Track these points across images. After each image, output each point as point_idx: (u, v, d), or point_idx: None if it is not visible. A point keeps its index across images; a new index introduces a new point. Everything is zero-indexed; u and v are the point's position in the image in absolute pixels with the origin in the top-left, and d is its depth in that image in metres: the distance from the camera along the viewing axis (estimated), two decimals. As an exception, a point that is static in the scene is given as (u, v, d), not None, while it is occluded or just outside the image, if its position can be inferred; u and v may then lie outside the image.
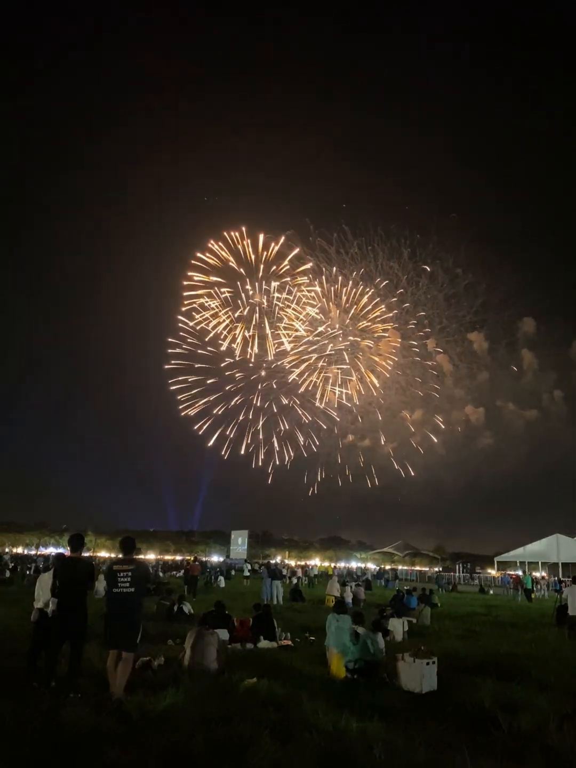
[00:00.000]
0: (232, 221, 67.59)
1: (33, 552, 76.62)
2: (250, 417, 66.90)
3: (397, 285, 62.51)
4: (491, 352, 72.48)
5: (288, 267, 58.29)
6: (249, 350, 61.82)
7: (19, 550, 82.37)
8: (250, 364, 63.76)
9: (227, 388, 65.78)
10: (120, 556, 7.05)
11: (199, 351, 62.47)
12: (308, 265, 59.15)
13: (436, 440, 67.84)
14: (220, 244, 59.37)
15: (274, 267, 58.66)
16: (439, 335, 66.42)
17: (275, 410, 66.13)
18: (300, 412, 65.43)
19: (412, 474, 67.54)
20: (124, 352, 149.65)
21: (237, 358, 62.78)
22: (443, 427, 68.12)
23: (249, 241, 59.04)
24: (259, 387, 65.78)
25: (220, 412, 66.50)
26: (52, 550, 72.70)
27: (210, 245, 59.24)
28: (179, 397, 64.59)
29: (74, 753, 4.54)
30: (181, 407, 64.75)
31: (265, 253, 58.25)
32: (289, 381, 63.27)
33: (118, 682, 6.26)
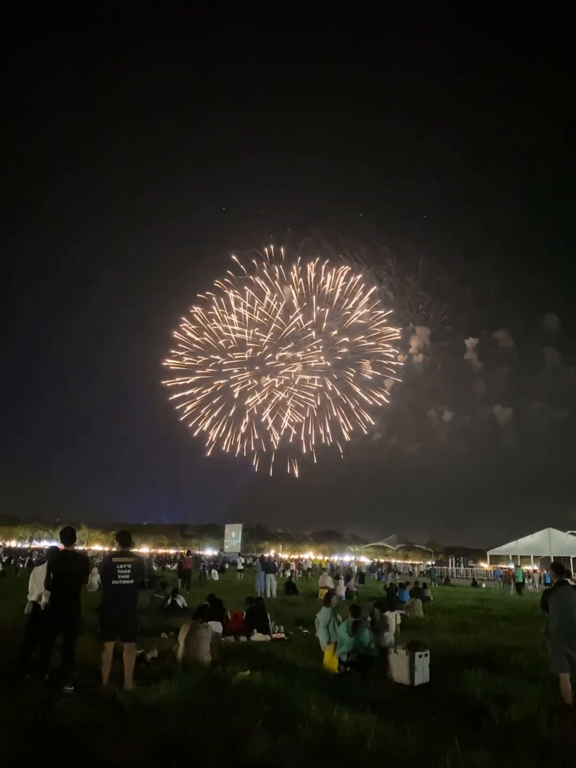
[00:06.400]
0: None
1: (27, 545, 76.45)
2: (255, 411, 66.99)
3: (424, 286, 62.99)
4: (516, 350, 73.15)
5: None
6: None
7: (13, 543, 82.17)
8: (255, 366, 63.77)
9: (229, 381, 65.74)
10: (117, 549, 7.06)
11: (197, 348, 62.50)
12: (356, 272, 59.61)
13: (457, 438, 68.43)
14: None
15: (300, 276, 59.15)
16: (465, 334, 66.65)
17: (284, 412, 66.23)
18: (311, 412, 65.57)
19: (421, 471, 68.20)
20: (120, 346, 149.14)
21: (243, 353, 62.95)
22: (463, 425, 68.64)
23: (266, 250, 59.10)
24: (266, 381, 65.66)
25: (216, 403, 66.57)
26: (46, 544, 72.53)
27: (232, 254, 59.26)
28: (174, 397, 64.65)
29: (68, 745, 4.55)
30: (176, 406, 64.80)
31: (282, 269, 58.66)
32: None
33: (125, 674, 6.36)
